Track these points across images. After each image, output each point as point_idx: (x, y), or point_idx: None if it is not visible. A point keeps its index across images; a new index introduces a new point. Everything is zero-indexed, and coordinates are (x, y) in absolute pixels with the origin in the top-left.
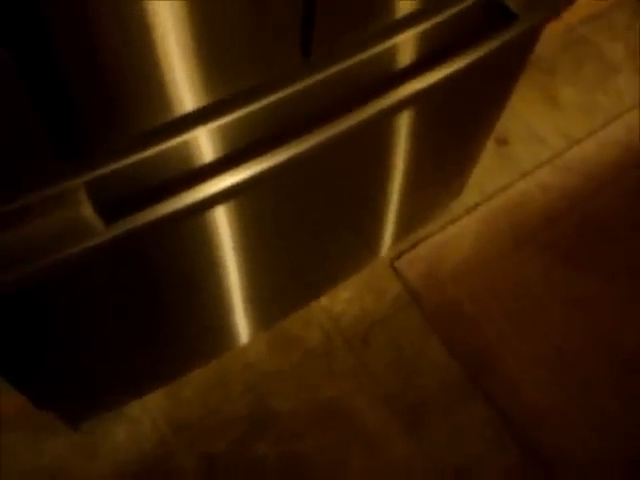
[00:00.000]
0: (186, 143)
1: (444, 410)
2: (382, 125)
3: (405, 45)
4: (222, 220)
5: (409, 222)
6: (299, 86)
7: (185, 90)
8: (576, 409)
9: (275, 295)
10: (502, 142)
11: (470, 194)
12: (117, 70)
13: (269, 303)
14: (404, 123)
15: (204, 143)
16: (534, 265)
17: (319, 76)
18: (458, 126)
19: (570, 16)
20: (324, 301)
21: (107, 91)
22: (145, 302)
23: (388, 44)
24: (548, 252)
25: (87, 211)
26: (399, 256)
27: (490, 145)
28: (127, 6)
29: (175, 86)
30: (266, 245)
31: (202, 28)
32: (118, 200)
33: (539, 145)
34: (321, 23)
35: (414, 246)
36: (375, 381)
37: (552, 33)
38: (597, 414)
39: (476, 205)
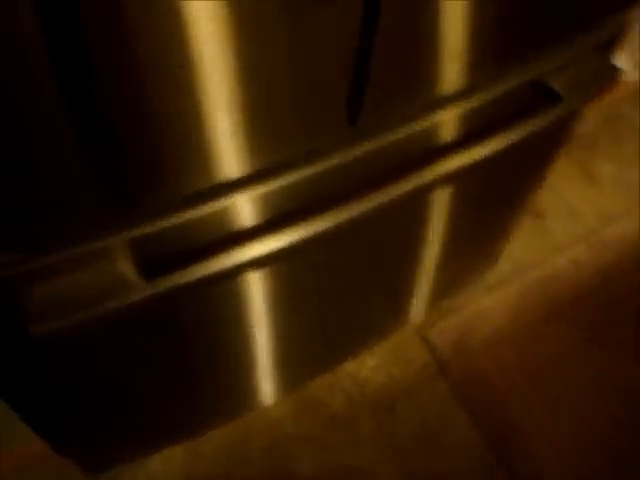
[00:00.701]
0: (227, 208)
1: None
2: (420, 196)
3: (449, 121)
4: (254, 284)
5: (441, 291)
6: (342, 157)
7: (229, 155)
8: None
9: (302, 358)
10: (538, 215)
11: (504, 266)
12: (165, 136)
13: (296, 366)
14: (441, 194)
15: (245, 209)
16: (566, 341)
17: (362, 148)
18: (495, 199)
19: (610, 93)
20: (350, 367)
21: (154, 154)
22: (172, 359)
23: (432, 120)
24: (580, 329)
25: (128, 268)
26: (429, 325)
27: (526, 218)
28: (177, 74)
29: (219, 151)
30: (296, 309)
31: (249, 96)
32: (158, 259)
33: (575, 221)
34: (370, 95)
35: (445, 315)
36: (398, 451)
37: (592, 109)
38: None
39: (509, 278)
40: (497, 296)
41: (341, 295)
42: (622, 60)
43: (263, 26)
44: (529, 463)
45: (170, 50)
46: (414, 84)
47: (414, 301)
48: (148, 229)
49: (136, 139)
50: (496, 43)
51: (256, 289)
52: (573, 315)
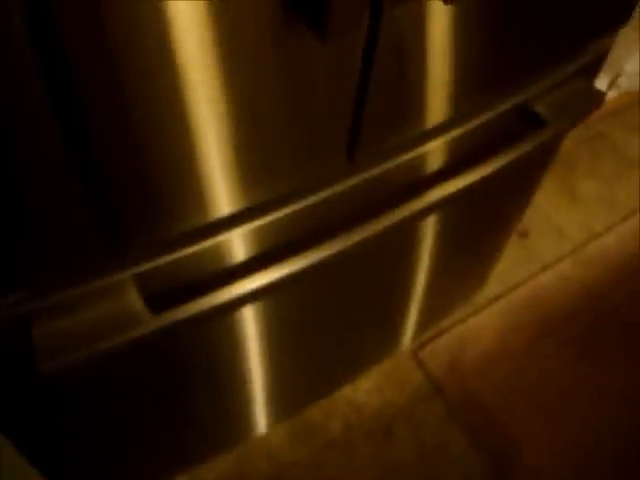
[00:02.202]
0: (225, 242)
1: None
2: (410, 224)
3: (437, 150)
4: (249, 314)
5: (432, 313)
6: (335, 191)
7: (224, 193)
8: None
9: (297, 385)
10: (523, 234)
11: (492, 286)
12: (160, 175)
13: (291, 393)
14: (430, 221)
15: (242, 242)
16: (556, 358)
17: (354, 181)
18: (482, 223)
19: None
20: (346, 391)
21: (150, 194)
22: (171, 390)
23: (421, 149)
24: (570, 345)
25: (136, 301)
26: (421, 347)
27: (511, 237)
28: (170, 107)
29: (214, 189)
30: (289, 337)
31: (244, 133)
32: (163, 293)
33: (559, 238)
34: (365, 130)
35: (436, 337)
36: (397, 475)
37: None
38: None
39: (498, 297)
40: (486, 315)
41: (334, 323)
42: (598, 79)
43: (259, 61)
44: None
45: (163, 86)
46: (405, 116)
47: (406, 325)
48: (148, 265)
49: (132, 179)
50: (481, 73)
51: (252, 320)
52: (562, 331)
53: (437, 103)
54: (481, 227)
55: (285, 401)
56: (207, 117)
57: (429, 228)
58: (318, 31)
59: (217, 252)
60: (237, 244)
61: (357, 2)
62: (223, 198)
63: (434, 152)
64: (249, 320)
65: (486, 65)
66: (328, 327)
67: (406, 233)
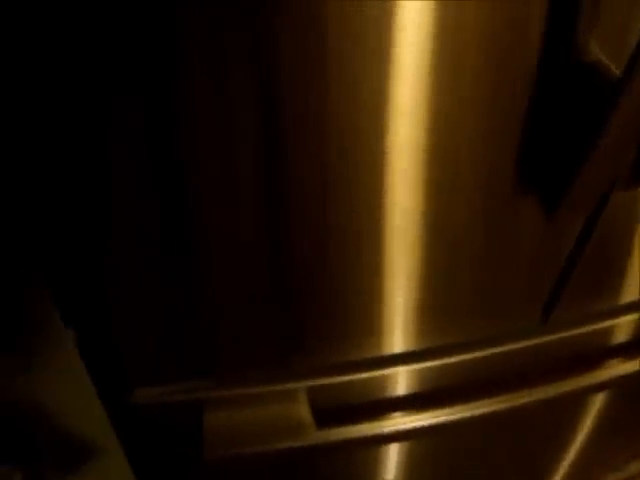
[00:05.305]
0: (390, 376)
1: None
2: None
3: (626, 325)
4: (392, 448)
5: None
6: (516, 346)
7: (402, 331)
8: None
9: None
10: None
11: None
12: (349, 310)
13: None
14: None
15: (404, 379)
16: None
17: (538, 340)
18: None
19: None
20: None
21: (336, 324)
22: None
23: (610, 322)
24: None
25: (306, 412)
26: None
27: None
28: (369, 254)
29: (394, 329)
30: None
31: (439, 280)
32: (325, 410)
33: None
34: (565, 297)
35: None
36: None
37: None
38: None
39: None
40: None
41: (470, 473)
42: None
43: (472, 217)
44: None
45: (365, 234)
46: (604, 287)
47: None
48: (319, 381)
49: (321, 311)
50: None
51: (393, 453)
52: None
53: (636, 280)
54: None
55: None
56: (402, 263)
57: (596, 399)
58: (549, 208)
59: (383, 383)
60: (402, 379)
61: (598, 187)
62: (399, 338)
63: (623, 326)
64: (390, 453)
65: None
66: (461, 475)
67: (573, 399)
